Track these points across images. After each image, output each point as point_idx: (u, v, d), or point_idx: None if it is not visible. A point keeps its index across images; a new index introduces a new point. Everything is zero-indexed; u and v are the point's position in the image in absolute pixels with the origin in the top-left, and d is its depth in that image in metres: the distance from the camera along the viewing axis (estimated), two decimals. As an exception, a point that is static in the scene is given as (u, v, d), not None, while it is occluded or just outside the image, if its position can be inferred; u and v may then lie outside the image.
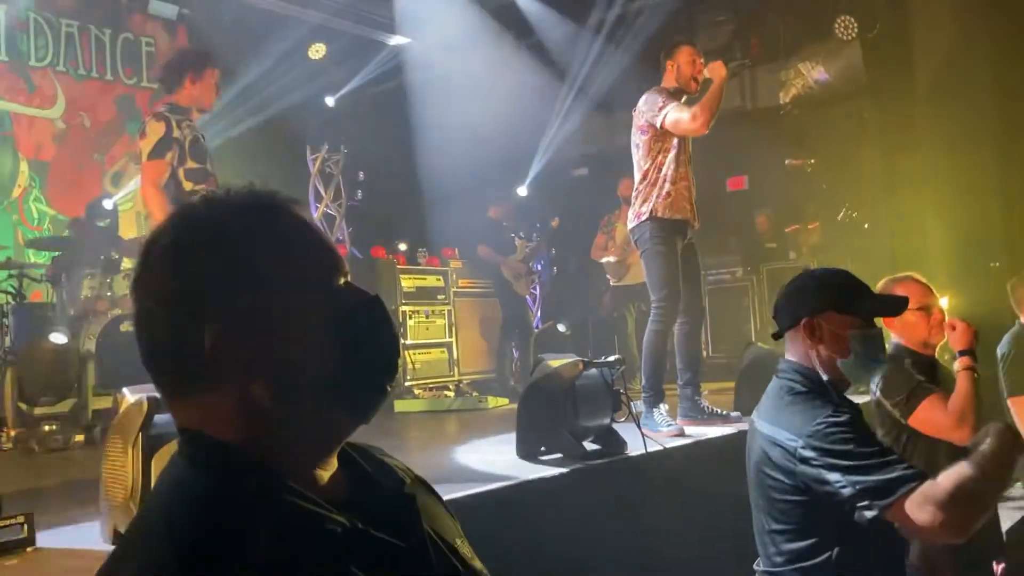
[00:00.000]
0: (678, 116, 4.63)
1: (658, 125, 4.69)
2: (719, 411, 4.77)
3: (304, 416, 0.95)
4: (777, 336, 2.37)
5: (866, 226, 8.03)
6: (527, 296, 8.16)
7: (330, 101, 10.03)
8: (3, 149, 7.94)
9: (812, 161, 8.56)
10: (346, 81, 9.96)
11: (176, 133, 4.25)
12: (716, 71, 4.69)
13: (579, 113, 10.06)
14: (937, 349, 3.29)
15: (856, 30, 8.44)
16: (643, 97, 4.83)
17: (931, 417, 2.98)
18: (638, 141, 4.83)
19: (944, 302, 3.31)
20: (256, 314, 0.93)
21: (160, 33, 9.13)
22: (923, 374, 3.14)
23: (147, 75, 8.99)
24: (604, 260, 8.23)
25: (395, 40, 9.97)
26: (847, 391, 2.30)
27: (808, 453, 2.07)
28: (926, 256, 7.08)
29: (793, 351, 2.32)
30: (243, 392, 0.92)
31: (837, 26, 8.62)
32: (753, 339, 8.12)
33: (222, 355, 0.91)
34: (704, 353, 8.51)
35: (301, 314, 0.95)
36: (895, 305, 2.40)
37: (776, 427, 2.19)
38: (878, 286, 3.26)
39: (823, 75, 9.50)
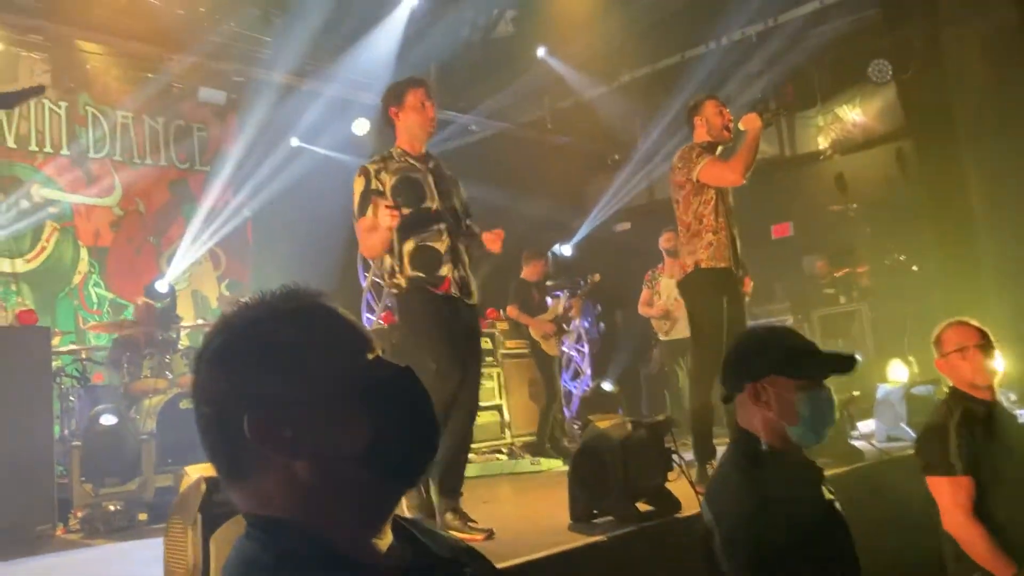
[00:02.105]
0: (713, 169, 4.69)
1: (694, 179, 4.74)
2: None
3: (347, 488, 1.03)
4: (726, 400, 2.23)
5: (915, 268, 7.95)
6: (557, 356, 8.11)
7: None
8: (64, 239, 8.26)
9: (855, 205, 8.53)
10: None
11: (375, 184, 3.92)
12: (750, 123, 4.73)
13: (622, 170, 10.18)
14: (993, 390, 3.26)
15: (891, 72, 8.46)
16: (678, 153, 4.90)
17: None
18: (677, 196, 4.89)
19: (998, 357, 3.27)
20: (292, 401, 1.02)
21: (211, 118, 9.47)
22: (977, 422, 3.12)
23: (199, 159, 9.32)
24: (650, 315, 8.23)
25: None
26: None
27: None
28: (980, 296, 6.98)
29: (742, 417, 2.17)
30: (287, 473, 1.01)
31: (871, 70, 8.65)
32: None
33: (264, 441, 1.00)
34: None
35: (333, 394, 1.03)
36: (843, 362, 2.15)
37: (710, 503, 2.11)
38: (935, 332, 3.30)
39: (860, 118, 9.51)
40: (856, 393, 5.47)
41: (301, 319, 1.08)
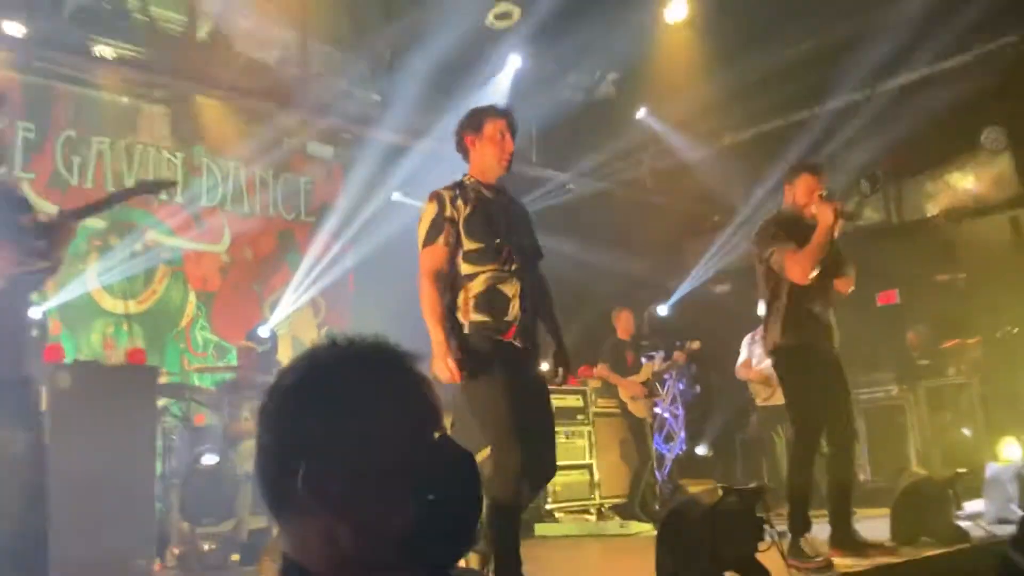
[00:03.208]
0: (782, 259, 4.45)
1: (765, 258, 4.60)
2: (873, 540, 4.52)
3: (381, 564, 1.02)
4: None
5: (1029, 340, 7.61)
6: (647, 418, 7.97)
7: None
8: (175, 283, 8.60)
9: (963, 276, 8.24)
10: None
11: (448, 211, 3.62)
12: (823, 215, 4.41)
13: (723, 231, 10.08)
14: None
15: (1006, 140, 8.21)
16: (760, 224, 4.76)
17: None
18: (758, 269, 4.74)
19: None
20: (350, 460, 1.02)
21: (318, 172, 9.80)
22: None
23: (305, 210, 9.64)
24: (749, 379, 8.06)
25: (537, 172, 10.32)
26: None
27: None
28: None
29: None
30: (329, 531, 1.01)
31: (985, 137, 8.41)
32: (913, 461, 7.71)
33: (313, 492, 1.01)
34: (860, 476, 8.14)
35: (391, 467, 1.03)
36: None
37: None
38: None
39: (973, 186, 9.22)
40: (962, 471, 5.21)
41: (383, 378, 1.08)
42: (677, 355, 8.61)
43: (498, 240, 3.62)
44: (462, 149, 3.83)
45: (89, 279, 7.92)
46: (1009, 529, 4.97)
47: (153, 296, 8.45)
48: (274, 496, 1.07)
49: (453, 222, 3.61)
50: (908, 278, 9.27)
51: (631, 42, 8.46)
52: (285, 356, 8.61)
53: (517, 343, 3.57)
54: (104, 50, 7.52)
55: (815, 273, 4.40)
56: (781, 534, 4.11)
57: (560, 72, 8.99)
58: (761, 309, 4.72)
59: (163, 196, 8.46)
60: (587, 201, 10.51)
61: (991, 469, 5.72)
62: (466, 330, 3.54)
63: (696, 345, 8.57)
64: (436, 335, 3.44)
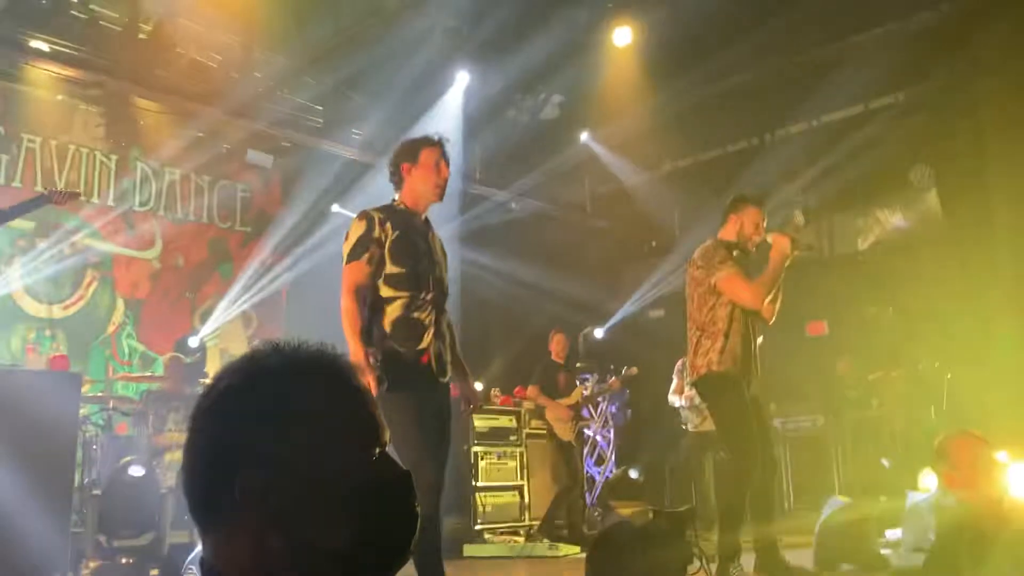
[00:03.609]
0: (733, 284, 4.53)
1: (712, 283, 4.63)
2: (797, 567, 4.58)
3: None
4: None
5: (949, 376, 7.81)
6: (570, 440, 7.98)
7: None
8: (103, 288, 8.37)
9: (891, 309, 8.46)
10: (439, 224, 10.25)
11: (377, 232, 3.68)
12: (780, 246, 4.59)
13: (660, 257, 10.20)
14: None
15: (933, 178, 8.47)
16: (699, 249, 4.79)
17: None
18: (693, 292, 4.74)
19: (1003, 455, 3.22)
20: (286, 470, 0.98)
21: (256, 180, 9.64)
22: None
23: (240, 218, 9.48)
24: (679, 405, 8.14)
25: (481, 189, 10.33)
26: None
27: None
28: (1016, 406, 6.83)
29: None
30: (260, 542, 0.97)
31: (914, 174, 8.67)
32: (836, 489, 7.85)
33: (249, 500, 0.96)
34: (784, 504, 8.26)
35: (330, 479, 0.99)
36: None
37: None
38: (936, 442, 3.25)
39: (901, 222, 9.49)
40: (883, 499, 5.33)
41: (325, 388, 1.05)
42: (613, 381, 8.66)
43: (419, 268, 3.70)
44: (396, 177, 3.88)
45: (12, 281, 7.67)
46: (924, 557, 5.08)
47: (80, 301, 8.22)
48: (202, 500, 1.02)
49: (380, 244, 3.67)
50: (837, 310, 9.48)
51: (578, 65, 8.53)
52: (214, 368, 8.44)
53: (431, 368, 3.65)
54: (39, 45, 7.30)
55: (767, 301, 4.50)
56: (710, 558, 4.15)
57: (506, 91, 9.01)
58: (690, 332, 4.74)
59: (94, 199, 8.27)
60: (529, 222, 10.55)
61: (910, 499, 5.84)
62: (382, 353, 3.61)
63: (634, 371, 8.61)
64: (355, 349, 3.51)
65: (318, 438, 1.00)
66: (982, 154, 8.06)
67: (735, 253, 4.73)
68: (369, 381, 3.19)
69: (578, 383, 8.35)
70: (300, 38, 7.83)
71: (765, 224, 4.79)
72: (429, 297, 3.70)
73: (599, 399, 9.36)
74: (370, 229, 3.68)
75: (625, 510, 3.71)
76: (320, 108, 8.92)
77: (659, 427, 9.23)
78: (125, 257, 8.59)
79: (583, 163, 10.28)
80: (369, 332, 3.62)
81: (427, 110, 8.59)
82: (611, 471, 9.18)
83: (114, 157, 8.53)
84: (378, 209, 3.76)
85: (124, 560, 5.59)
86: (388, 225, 3.69)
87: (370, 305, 3.65)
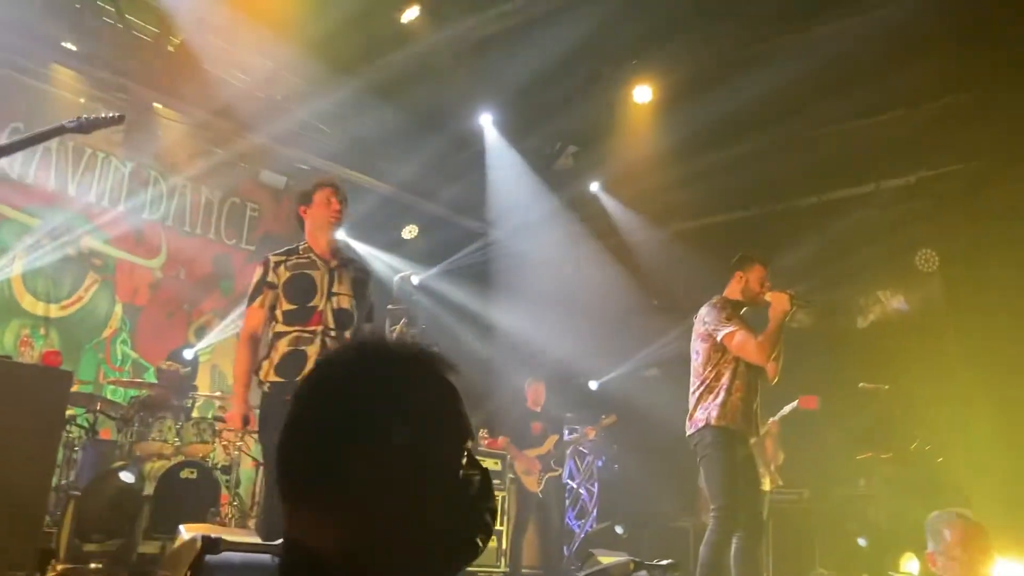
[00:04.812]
0: (740, 341, 4.65)
1: (718, 340, 4.70)
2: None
3: (397, 558, 1.02)
4: None
5: (940, 460, 7.77)
6: (537, 492, 7.93)
7: (415, 279, 10.37)
8: (103, 291, 8.36)
9: (887, 387, 8.43)
10: (434, 262, 10.28)
11: (270, 277, 4.15)
12: (780, 303, 4.70)
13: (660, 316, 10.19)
14: None
15: (937, 263, 8.51)
16: (706, 306, 4.87)
17: None
18: (698, 348, 4.84)
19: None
20: (394, 452, 1.03)
21: (266, 200, 9.69)
22: None
23: (247, 237, 9.50)
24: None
25: (485, 229, 10.37)
26: None
27: None
28: (1001, 493, 6.79)
29: None
30: (357, 520, 1.01)
31: (918, 258, 8.70)
32: (816, 564, 7.78)
33: (350, 479, 1.01)
34: (765, 575, 8.16)
35: (429, 468, 1.05)
36: None
37: None
38: (927, 519, 3.22)
39: (902, 304, 9.51)
40: (865, 576, 5.29)
41: (431, 381, 1.11)
42: (587, 430, 8.64)
43: (311, 304, 4.09)
44: (299, 222, 4.33)
45: (14, 272, 7.67)
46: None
47: (78, 303, 8.20)
48: (304, 475, 1.05)
49: (273, 286, 4.12)
50: (831, 385, 9.44)
51: (596, 118, 8.62)
52: (203, 383, 8.41)
53: None
54: (68, 45, 7.39)
55: (772, 356, 4.56)
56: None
57: (521, 137, 9.09)
58: (693, 387, 4.78)
59: (104, 203, 8.31)
60: (536, 268, 10.58)
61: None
62: (265, 389, 4.02)
63: (611, 420, 8.59)
64: (235, 386, 4.05)
65: (425, 426, 1.06)
66: (986, 243, 8.11)
67: (742, 311, 4.80)
68: (236, 418, 3.97)
69: (555, 433, 8.35)
70: (326, 63, 7.90)
71: (769, 286, 4.84)
72: (319, 330, 4.07)
73: (586, 452, 9.32)
74: (264, 274, 4.14)
75: (606, 559, 3.66)
76: (340, 136, 8.98)
77: (645, 484, 9.17)
78: (128, 263, 8.60)
79: (592, 214, 10.33)
80: (260, 367, 4.07)
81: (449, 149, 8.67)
82: (591, 525, 9.09)
83: (129, 164, 8.58)
84: (277, 254, 4.24)
85: (93, 565, 5.51)
86: (281, 268, 4.15)
87: (270, 340, 4.11)
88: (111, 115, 3.24)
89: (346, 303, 4.18)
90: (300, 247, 4.26)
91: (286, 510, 1.06)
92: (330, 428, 1.04)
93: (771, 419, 7.74)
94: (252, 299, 4.14)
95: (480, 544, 1.08)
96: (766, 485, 7.42)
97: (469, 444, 1.10)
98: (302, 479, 1.05)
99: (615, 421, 8.67)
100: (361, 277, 4.36)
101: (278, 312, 4.12)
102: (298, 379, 3.79)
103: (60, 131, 3.43)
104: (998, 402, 7.53)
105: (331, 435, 1.03)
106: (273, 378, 4.01)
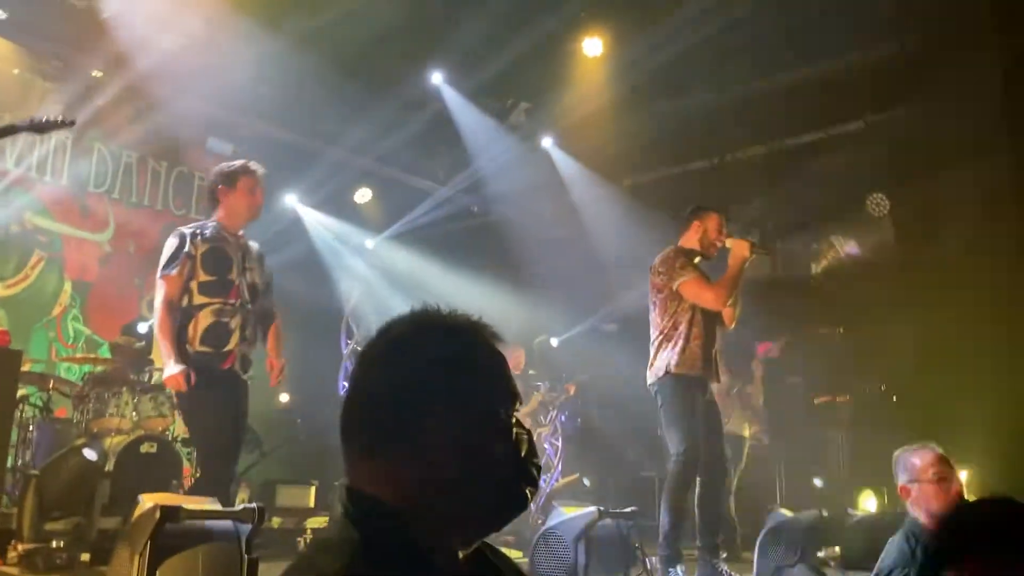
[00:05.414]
0: (696, 288, 4.70)
1: (674, 288, 4.72)
2: (737, 576, 4.61)
3: (457, 509, 1.13)
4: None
5: (895, 399, 7.94)
6: None
7: (369, 243, 10.30)
8: (51, 269, 8.17)
9: (841, 330, 8.57)
10: (387, 225, 10.22)
11: (188, 247, 4.25)
12: (740, 249, 4.76)
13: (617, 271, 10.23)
14: None
15: (888, 207, 8.61)
16: (660, 255, 4.89)
17: None
18: (654, 299, 4.86)
19: (963, 475, 3.24)
20: (453, 412, 1.13)
21: (214, 168, 9.48)
22: None
23: (196, 207, 9.32)
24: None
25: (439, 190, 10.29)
26: None
27: None
28: (955, 430, 6.94)
29: None
30: (421, 471, 1.11)
31: (869, 202, 8.80)
32: (777, 506, 7.92)
33: (418, 434, 1.12)
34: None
35: (489, 426, 1.16)
36: None
37: None
38: (895, 455, 3.25)
39: (854, 249, 9.63)
40: (825, 513, 5.39)
41: (482, 347, 1.21)
42: (568, 386, 8.68)
43: (228, 277, 4.28)
44: (212, 199, 4.45)
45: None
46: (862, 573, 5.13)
47: (24, 281, 8.01)
48: (372, 436, 1.14)
49: (191, 257, 4.24)
50: (788, 331, 9.56)
51: (545, 72, 8.56)
52: (158, 356, 8.27)
53: (235, 369, 4.25)
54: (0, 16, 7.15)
55: (730, 303, 4.59)
56: (653, 563, 4.15)
57: (474, 95, 9.00)
58: (652, 336, 4.81)
59: (47, 177, 8.10)
60: (491, 229, 10.54)
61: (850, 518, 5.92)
62: (191, 356, 4.16)
63: (572, 390, 8.70)
64: (167, 350, 4.11)
65: (485, 388, 1.18)
66: (936, 185, 8.21)
67: (696, 260, 4.82)
68: (179, 377, 4.02)
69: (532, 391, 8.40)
70: (265, 22, 7.72)
71: (725, 235, 4.88)
72: (238, 303, 4.28)
73: (551, 408, 9.37)
74: (182, 245, 4.24)
75: (569, 509, 3.70)
76: (283, 96, 8.80)
77: (608, 437, 9.26)
78: (76, 239, 8.40)
79: (545, 172, 10.29)
80: (183, 334, 4.18)
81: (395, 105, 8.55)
82: (556, 480, 9.17)
83: (71, 136, 8.35)
84: (191, 227, 4.36)
85: (55, 543, 5.43)
86: (199, 240, 4.27)
87: (184, 311, 4.21)
88: (62, 119, 3.42)
89: (256, 277, 4.44)
90: (211, 223, 4.41)
91: (350, 460, 1.16)
92: (404, 389, 1.13)
93: (754, 361, 7.86)
94: (170, 267, 4.22)
95: (529, 496, 1.17)
96: (745, 431, 7.51)
97: (518, 405, 1.21)
98: (378, 435, 1.14)
99: (574, 392, 8.76)
100: (262, 251, 4.60)
101: (193, 284, 4.24)
102: (224, 349, 4.16)
103: (12, 131, 3.57)
104: (952, 342, 7.67)
105: (406, 396, 1.13)
106: (200, 348, 4.17)
